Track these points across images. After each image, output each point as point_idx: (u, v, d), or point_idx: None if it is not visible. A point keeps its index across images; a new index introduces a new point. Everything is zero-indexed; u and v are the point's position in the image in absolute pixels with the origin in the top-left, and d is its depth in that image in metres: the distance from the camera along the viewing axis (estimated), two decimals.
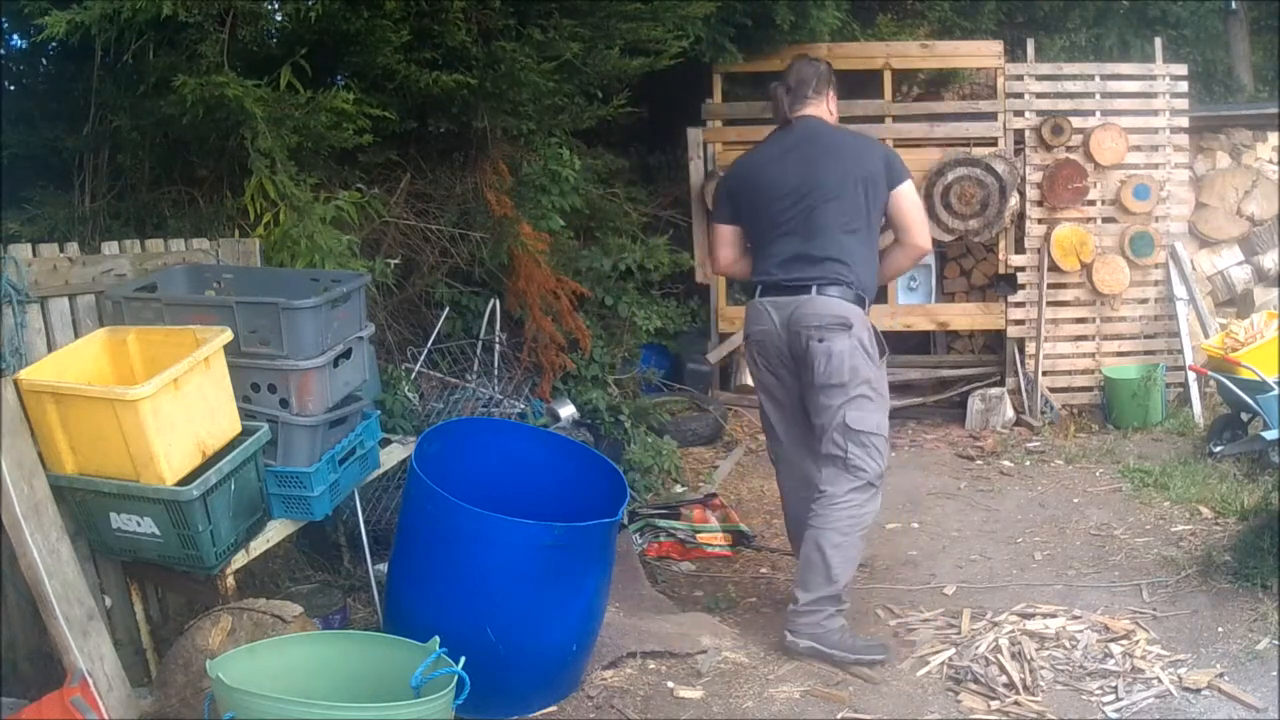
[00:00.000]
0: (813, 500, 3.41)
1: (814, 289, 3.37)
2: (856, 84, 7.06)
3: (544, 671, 3.16)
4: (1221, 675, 3.17)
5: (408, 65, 4.01)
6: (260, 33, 3.82)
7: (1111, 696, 3.11)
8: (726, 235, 3.67)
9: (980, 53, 6.95)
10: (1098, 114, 6.78)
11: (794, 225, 3.42)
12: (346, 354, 3.29)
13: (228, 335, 2.98)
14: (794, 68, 3.58)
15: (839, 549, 3.35)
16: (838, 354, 3.32)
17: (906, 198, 3.46)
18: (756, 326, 3.50)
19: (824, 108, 3.59)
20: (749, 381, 6.66)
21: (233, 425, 3.01)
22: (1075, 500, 5.06)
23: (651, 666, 3.43)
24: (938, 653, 3.44)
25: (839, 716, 3.11)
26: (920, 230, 3.51)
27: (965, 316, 6.95)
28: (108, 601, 3.03)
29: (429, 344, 4.77)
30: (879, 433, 3.41)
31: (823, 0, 6.37)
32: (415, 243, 4.76)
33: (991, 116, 6.75)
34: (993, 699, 3.14)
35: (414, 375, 4.61)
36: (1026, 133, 6.72)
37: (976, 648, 3.40)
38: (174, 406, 2.78)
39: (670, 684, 3.31)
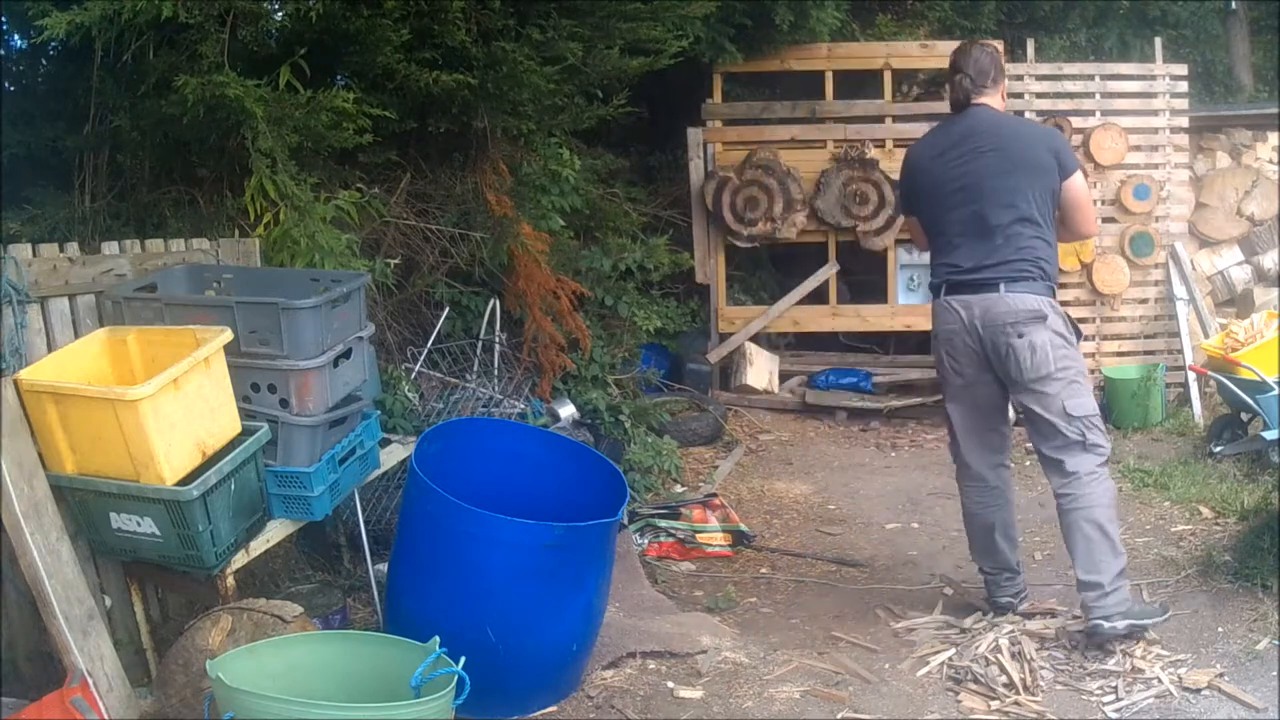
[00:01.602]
0: (1054, 487, 3.39)
1: (1002, 286, 3.34)
2: (856, 84, 7.07)
3: (544, 671, 3.16)
4: (1221, 675, 3.16)
5: (408, 65, 4.02)
6: (260, 33, 3.82)
7: (1111, 696, 3.11)
8: (916, 224, 3.72)
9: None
10: (1098, 114, 6.78)
11: (971, 222, 3.41)
12: (346, 354, 3.29)
13: (228, 335, 2.98)
14: (973, 56, 3.50)
15: (1113, 522, 3.31)
16: (1040, 346, 3.30)
17: (1077, 187, 3.44)
18: (945, 326, 3.49)
19: (998, 97, 3.54)
20: (749, 381, 6.70)
21: (233, 425, 3.01)
22: None
23: (651, 666, 3.43)
24: (938, 653, 3.44)
25: (839, 716, 3.11)
26: (1089, 218, 3.56)
27: None
28: (108, 601, 3.03)
29: (429, 344, 4.77)
30: (1095, 413, 3.39)
31: (822, 0, 6.37)
32: (415, 243, 4.76)
33: None
34: (993, 699, 3.14)
35: (414, 375, 4.61)
36: None
37: (976, 648, 3.39)
38: (174, 406, 2.78)
39: (670, 684, 3.31)
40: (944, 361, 3.54)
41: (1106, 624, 3.23)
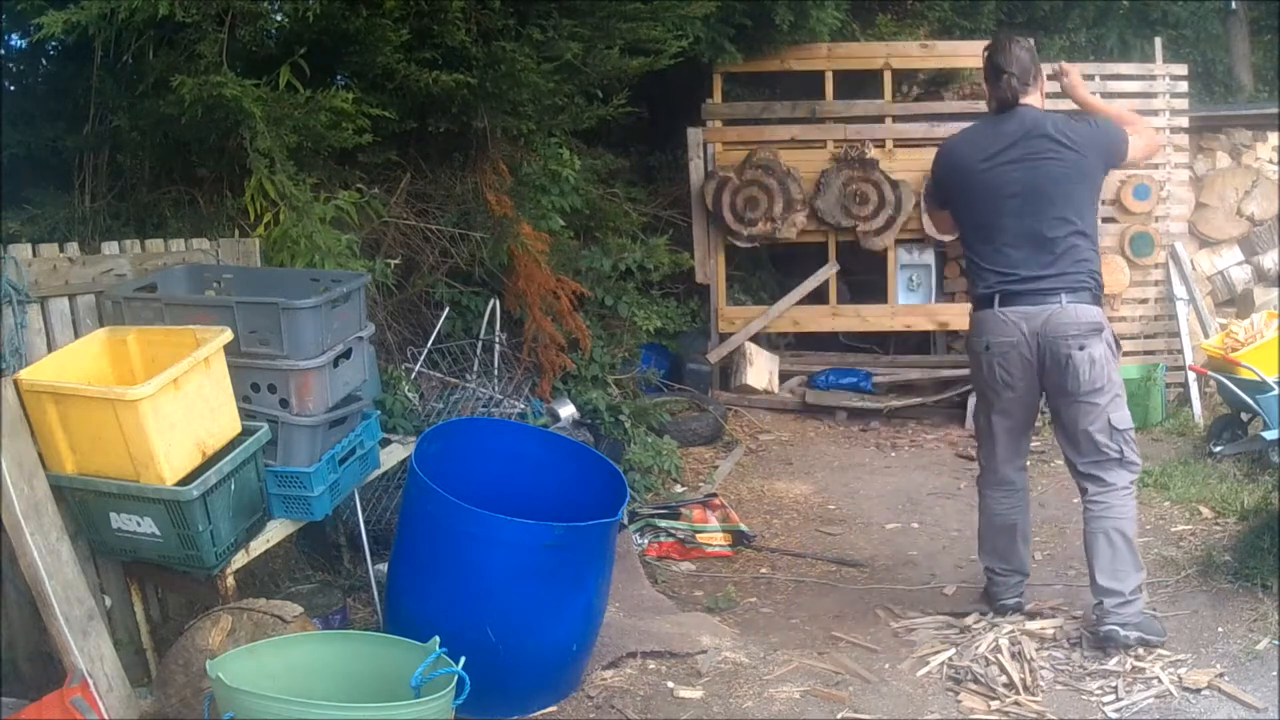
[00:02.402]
0: (1088, 497, 3.42)
1: (1063, 297, 3.33)
2: (856, 84, 7.07)
3: (544, 671, 3.16)
4: (1221, 675, 3.17)
5: (407, 65, 4.01)
6: (259, 32, 3.82)
7: (1111, 696, 3.12)
8: (947, 216, 3.70)
9: (980, 53, 6.92)
10: None
11: (1028, 230, 3.37)
12: (346, 354, 3.29)
13: (228, 335, 2.98)
14: (1014, 54, 3.45)
15: (1136, 537, 3.40)
16: (1098, 360, 3.34)
17: (1133, 142, 3.45)
18: (1000, 338, 3.41)
19: (1039, 95, 3.51)
20: (749, 381, 6.69)
21: (233, 425, 3.01)
22: (1075, 500, 5.00)
23: (651, 666, 3.43)
24: (938, 653, 3.44)
25: (839, 716, 3.11)
26: (1150, 140, 3.61)
27: (965, 316, 6.91)
28: (108, 601, 3.03)
29: (429, 344, 4.77)
30: (1133, 427, 3.45)
31: (822, 0, 6.37)
32: (415, 243, 4.76)
33: None
34: (993, 699, 3.14)
35: (414, 375, 4.61)
36: None
37: (976, 648, 3.39)
38: (174, 406, 2.78)
39: (670, 684, 3.31)
40: (995, 373, 3.44)
41: (1121, 631, 3.29)
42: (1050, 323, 3.33)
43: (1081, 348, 3.32)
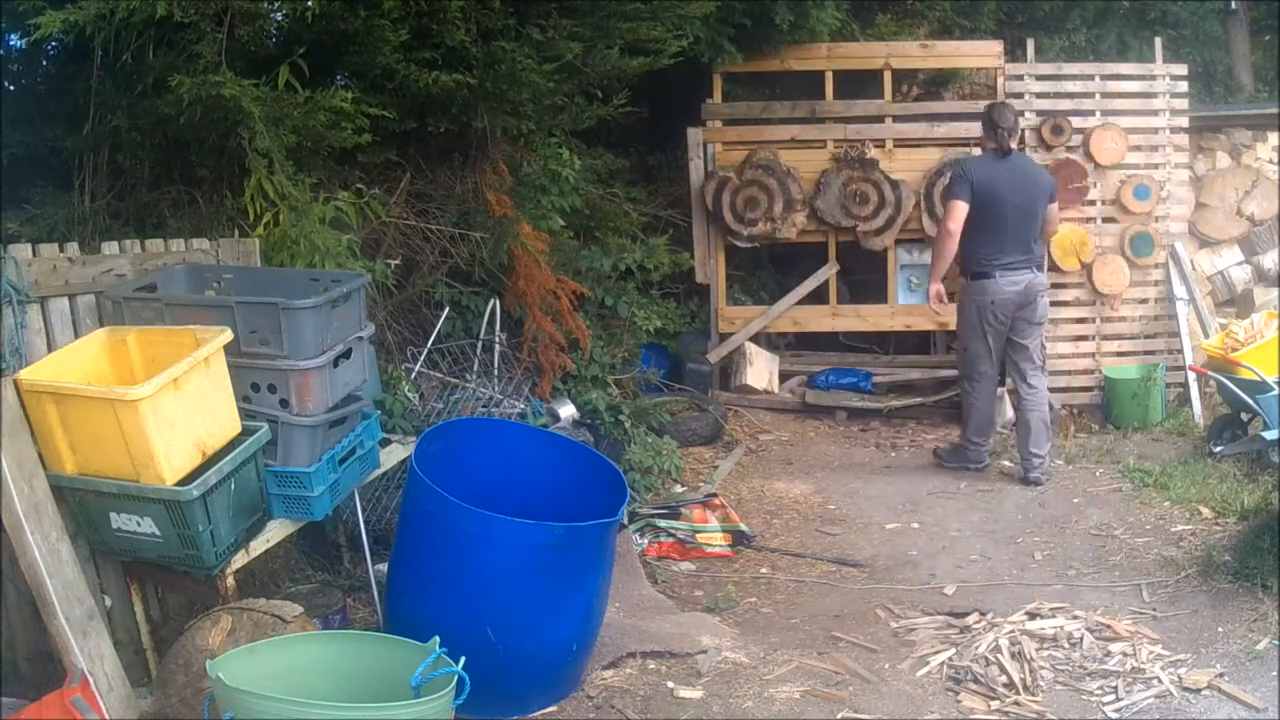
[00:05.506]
0: (1025, 394, 5.37)
1: (1033, 270, 5.33)
2: (856, 84, 7.06)
3: (544, 671, 3.16)
4: (1221, 675, 3.17)
5: (407, 65, 4.02)
6: (258, 32, 3.82)
7: (1111, 696, 3.12)
8: (965, 211, 5.23)
9: (980, 53, 6.94)
10: (1098, 114, 6.78)
11: (1016, 231, 5.27)
12: (346, 354, 3.29)
13: (228, 335, 2.98)
14: (1003, 113, 5.35)
15: (1048, 419, 5.43)
16: (1046, 304, 5.48)
17: (1056, 207, 5.52)
18: (1000, 295, 5.26)
19: (1018, 140, 5.57)
20: (749, 381, 6.70)
21: (233, 425, 3.01)
22: (1075, 500, 5.06)
23: (651, 666, 3.43)
24: (938, 653, 3.44)
25: (839, 716, 3.11)
26: (1058, 228, 5.91)
27: None
28: (108, 601, 3.03)
29: (429, 344, 4.77)
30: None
31: (822, 0, 6.37)
32: (415, 243, 4.76)
33: None
34: (993, 699, 3.15)
35: (414, 375, 4.61)
36: (1027, 133, 6.72)
37: (976, 648, 3.40)
38: (174, 406, 2.78)
39: (670, 684, 3.31)
40: (994, 315, 5.29)
41: (1043, 477, 5.30)
42: (1030, 283, 5.32)
43: (1043, 296, 5.40)
